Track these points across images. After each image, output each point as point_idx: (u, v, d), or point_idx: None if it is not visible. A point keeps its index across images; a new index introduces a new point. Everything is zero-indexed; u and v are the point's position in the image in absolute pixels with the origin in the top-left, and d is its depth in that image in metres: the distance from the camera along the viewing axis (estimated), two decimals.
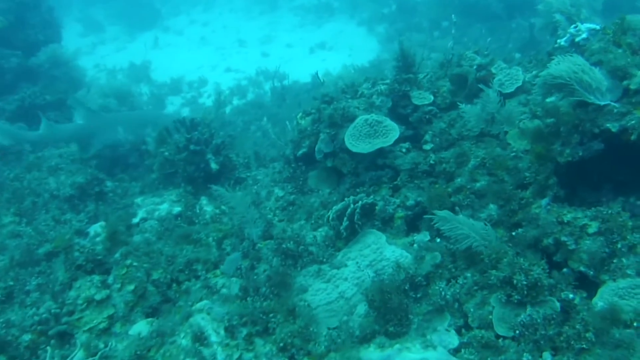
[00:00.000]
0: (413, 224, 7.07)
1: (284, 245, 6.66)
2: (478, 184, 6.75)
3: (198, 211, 8.50)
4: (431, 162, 7.30)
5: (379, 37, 20.94)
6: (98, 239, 8.39)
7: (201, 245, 7.29)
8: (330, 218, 7.00)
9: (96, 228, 8.64)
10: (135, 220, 8.75)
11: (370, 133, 7.47)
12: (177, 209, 8.78)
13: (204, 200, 8.95)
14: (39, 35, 14.12)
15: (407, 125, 7.91)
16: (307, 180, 8.36)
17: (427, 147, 7.54)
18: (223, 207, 8.67)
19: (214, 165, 9.06)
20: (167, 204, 8.97)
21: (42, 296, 7.17)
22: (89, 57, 23.48)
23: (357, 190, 7.50)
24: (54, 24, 14.96)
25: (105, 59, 22.88)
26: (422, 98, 7.81)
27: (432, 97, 7.84)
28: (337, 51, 21.15)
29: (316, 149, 8.01)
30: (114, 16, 26.76)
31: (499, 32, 17.60)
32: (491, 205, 6.53)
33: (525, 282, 5.23)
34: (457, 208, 6.67)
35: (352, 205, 6.89)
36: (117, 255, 6.88)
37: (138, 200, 9.25)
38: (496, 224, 6.31)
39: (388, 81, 8.04)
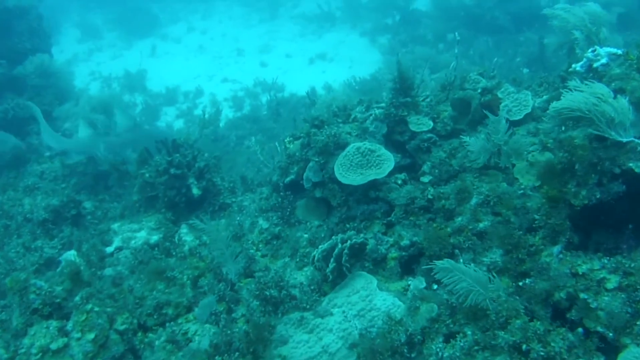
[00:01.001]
0: (408, 266, 6.36)
1: (266, 293, 5.96)
2: (481, 225, 6.03)
3: (177, 241, 7.80)
4: (429, 196, 6.58)
5: (382, 48, 20.21)
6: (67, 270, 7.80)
7: (175, 284, 6.58)
8: (316, 259, 6.28)
9: (68, 257, 8.02)
10: (110, 249, 8.10)
11: (363, 163, 6.76)
12: (155, 238, 8.11)
13: (184, 229, 8.26)
14: (26, 44, 13.40)
15: (404, 154, 7.22)
16: (294, 210, 7.66)
17: (425, 179, 6.83)
18: (204, 237, 8.00)
19: (195, 191, 8.37)
20: (144, 232, 8.30)
21: (3, 334, 6.51)
22: (85, 63, 22.89)
23: (347, 225, 6.79)
24: (42, 32, 14.25)
25: (101, 66, 22.25)
26: (420, 124, 7.10)
27: (431, 123, 7.13)
28: (337, 62, 20.44)
29: (304, 177, 7.32)
30: (112, 22, 26.14)
31: (506, 46, 16.94)
32: (495, 249, 5.81)
33: (543, 354, 4.48)
34: (457, 251, 5.97)
35: (339, 245, 6.18)
36: (77, 298, 6.16)
37: (115, 226, 8.58)
38: (501, 272, 5.59)
39: (383, 104, 7.32)
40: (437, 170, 6.82)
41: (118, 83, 20.09)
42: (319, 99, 7.74)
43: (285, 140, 8.01)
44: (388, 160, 6.75)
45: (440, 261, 5.24)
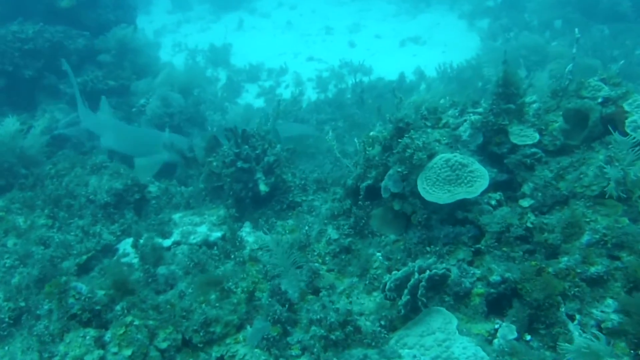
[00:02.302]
0: (496, 305, 5.38)
1: (332, 336, 5.18)
2: (593, 269, 4.97)
3: (237, 242, 7.13)
4: (529, 224, 5.54)
5: (481, 33, 18.66)
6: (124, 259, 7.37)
7: (228, 296, 5.90)
8: (387, 287, 5.42)
9: (126, 246, 7.59)
10: (168, 242, 7.56)
11: (451, 178, 5.78)
12: (215, 235, 7.51)
13: (247, 228, 7.62)
14: (110, 16, 13.09)
15: (500, 168, 6.17)
16: (369, 219, 6.78)
17: (525, 203, 5.77)
18: (266, 239, 7.32)
19: (263, 187, 7.66)
20: (205, 227, 7.71)
21: (50, 324, 6.10)
22: (173, 35, 22.65)
23: (427, 248, 5.88)
24: (127, 4, 13.91)
25: (188, 38, 21.90)
26: (523, 136, 6.02)
27: (537, 136, 6.03)
28: (430, 46, 19.09)
29: (382, 186, 6.43)
30: None
31: (624, 36, 15.15)
32: (609, 301, 4.76)
33: None
34: (558, 298, 4.94)
35: (416, 275, 5.28)
36: (117, 307, 5.60)
37: (176, 216, 8.05)
38: (616, 333, 4.55)
39: (481, 110, 6.29)
40: (540, 194, 5.74)
41: (203, 56, 19.62)
42: (406, 100, 6.75)
43: (364, 140, 7.12)
44: (482, 177, 5.74)
45: (584, 339, 4.25)
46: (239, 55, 19.58)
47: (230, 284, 5.98)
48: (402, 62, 17.42)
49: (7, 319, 6.46)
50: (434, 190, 5.78)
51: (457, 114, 6.51)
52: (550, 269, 5.13)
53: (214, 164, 8.14)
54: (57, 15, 12.17)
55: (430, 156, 6.02)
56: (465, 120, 6.33)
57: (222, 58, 19.26)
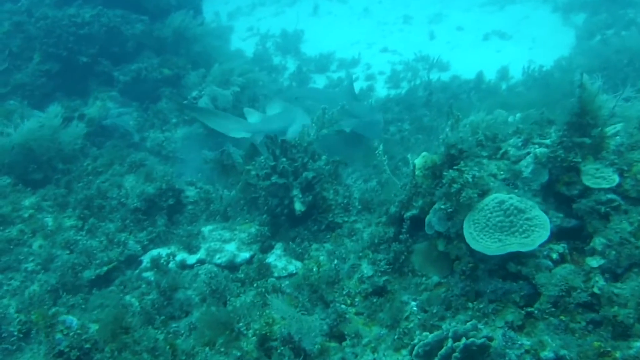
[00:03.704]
0: None
1: None
2: None
3: (264, 271, 6.47)
4: (595, 290, 4.53)
5: (577, 29, 16.87)
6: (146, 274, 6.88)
7: (237, 338, 5.25)
8: (414, 352, 4.58)
9: (151, 257, 7.10)
10: (193, 259, 7.04)
11: (504, 225, 4.82)
12: (243, 256, 6.93)
13: (278, 250, 6.96)
14: (172, 0, 12.65)
15: (568, 212, 5.13)
16: (410, 254, 5.91)
17: (594, 262, 4.73)
18: (297, 264, 6.63)
19: (298, 206, 6.95)
20: (234, 245, 7.13)
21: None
22: (246, 18, 22.13)
23: (470, 305, 4.97)
24: None
25: (261, 22, 21.26)
26: (599, 177, 4.95)
27: (617, 178, 4.93)
28: (517, 41, 17.50)
29: (426, 221, 5.55)
30: None
31: None
32: None
33: None
34: None
35: (450, 343, 4.41)
36: (107, 349, 5.02)
37: (206, 229, 7.52)
38: None
39: (549, 142, 5.24)
40: (614, 252, 4.68)
41: (273, 42, 18.98)
42: (463, 121, 5.75)
43: (416, 162, 6.21)
44: (541, 227, 4.75)
45: None
46: (310, 42, 18.79)
47: (241, 324, 5.31)
48: (484, 59, 16.09)
49: (16, 333, 6.11)
50: (481, 238, 4.85)
51: (520, 144, 5.48)
52: (617, 354, 4.12)
53: (253, 172, 7.51)
54: None
55: (483, 194, 5.08)
56: (528, 153, 5.31)
57: (293, 45, 18.52)
